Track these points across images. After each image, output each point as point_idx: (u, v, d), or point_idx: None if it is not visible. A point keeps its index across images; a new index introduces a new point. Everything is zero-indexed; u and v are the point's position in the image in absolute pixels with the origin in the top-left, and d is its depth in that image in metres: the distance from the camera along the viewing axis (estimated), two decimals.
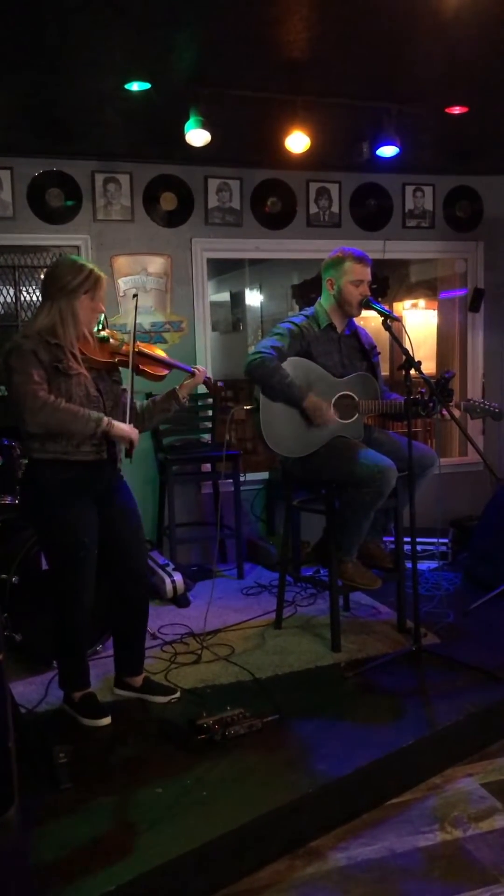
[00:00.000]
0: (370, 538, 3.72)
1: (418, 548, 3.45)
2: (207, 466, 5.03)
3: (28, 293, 4.87)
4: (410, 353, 3.31)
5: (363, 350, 3.77)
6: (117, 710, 3.02)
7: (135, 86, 3.70)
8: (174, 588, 4.32)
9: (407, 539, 3.45)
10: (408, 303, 7.76)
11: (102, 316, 3.00)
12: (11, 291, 4.87)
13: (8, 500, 3.63)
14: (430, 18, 3.13)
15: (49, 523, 2.88)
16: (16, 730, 2.37)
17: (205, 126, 3.90)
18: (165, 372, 3.13)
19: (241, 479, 4.81)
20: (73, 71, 3.56)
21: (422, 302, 7.68)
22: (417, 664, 3.33)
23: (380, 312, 3.45)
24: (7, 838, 2.22)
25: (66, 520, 2.84)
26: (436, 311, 6.74)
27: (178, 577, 4.35)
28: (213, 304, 7.50)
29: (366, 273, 3.57)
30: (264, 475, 5.36)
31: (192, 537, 5.08)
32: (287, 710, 2.97)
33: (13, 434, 3.49)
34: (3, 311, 4.89)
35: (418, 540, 3.41)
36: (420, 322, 7.45)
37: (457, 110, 4.18)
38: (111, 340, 3.01)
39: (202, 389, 4.17)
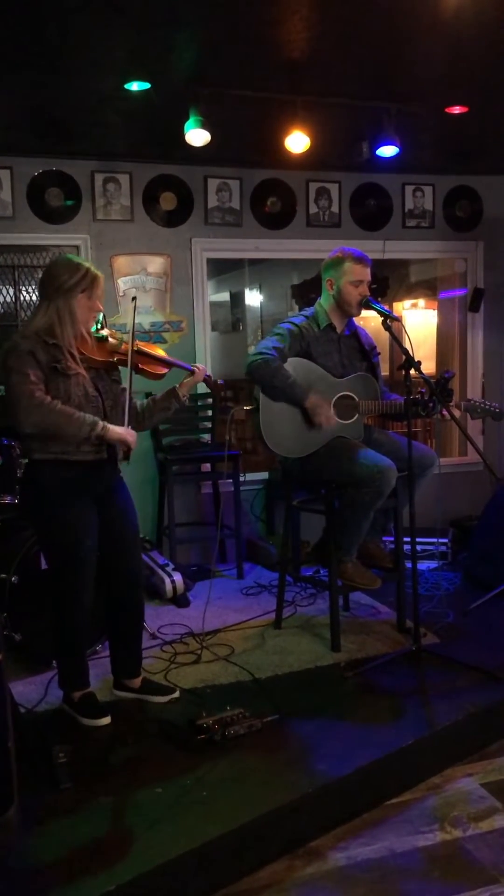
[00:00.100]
0: (370, 538, 3.72)
1: (418, 548, 3.45)
2: (207, 466, 5.03)
3: (28, 293, 4.87)
4: (410, 353, 3.31)
5: (363, 350, 3.77)
6: (117, 710, 3.02)
7: (134, 86, 3.70)
8: (174, 588, 4.32)
9: (407, 539, 3.45)
10: (408, 303, 7.76)
11: (101, 315, 3.00)
12: (11, 291, 4.87)
13: (8, 500, 3.63)
14: (430, 18, 3.13)
15: (49, 523, 2.88)
16: (15, 730, 2.38)
17: (204, 126, 3.90)
18: (165, 370, 3.11)
19: (241, 479, 4.81)
20: (73, 71, 3.56)
21: (421, 302, 7.68)
22: (417, 664, 3.33)
23: (380, 312, 3.45)
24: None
25: (65, 520, 2.84)
26: (435, 311, 6.74)
27: (177, 576, 4.35)
28: (213, 304, 7.50)
29: (365, 273, 3.57)
30: (264, 475, 5.36)
31: (192, 537, 5.08)
32: (287, 710, 2.96)
33: (13, 434, 3.49)
34: (2, 311, 4.89)
35: (418, 540, 3.42)
36: (420, 322, 7.46)
37: (457, 110, 4.19)
38: (110, 339, 3.01)
39: (202, 389, 4.19)
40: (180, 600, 4.32)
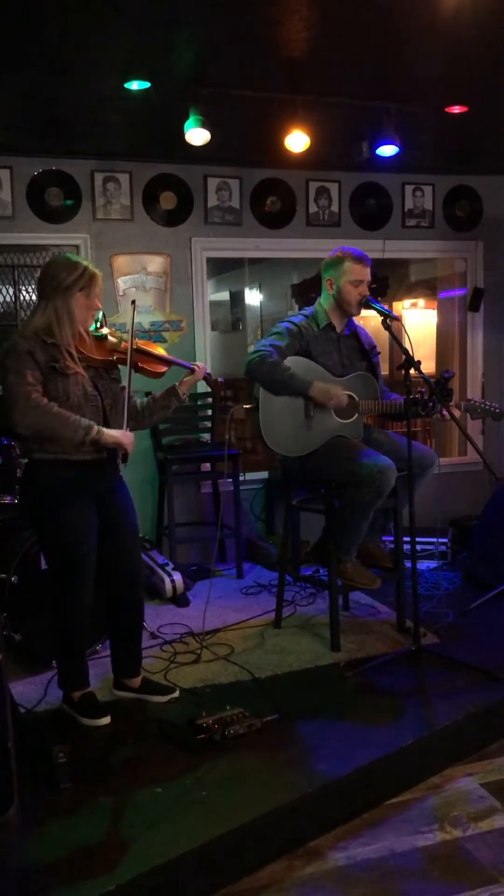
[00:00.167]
0: (370, 538, 3.72)
1: (418, 547, 3.45)
2: (207, 466, 5.03)
3: (27, 292, 4.87)
4: (410, 352, 3.31)
5: (363, 350, 3.77)
6: (117, 710, 3.02)
7: (134, 85, 3.70)
8: (173, 587, 4.32)
9: (406, 539, 3.45)
10: (407, 302, 7.76)
11: (101, 314, 2.99)
12: (11, 290, 4.87)
13: (8, 499, 3.63)
14: (430, 18, 3.13)
15: (49, 523, 2.88)
16: (15, 730, 2.38)
17: (204, 125, 3.90)
18: (164, 369, 3.10)
19: (241, 478, 4.81)
20: (73, 71, 3.56)
21: (421, 301, 7.68)
22: (417, 664, 3.34)
23: (379, 312, 3.45)
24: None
25: (65, 520, 2.84)
26: (435, 311, 6.74)
27: (177, 576, 4.35)
28: (213, 304, 7.50)
29: (365, 273, 3.57)
30: (264, 475, 5.36)
31: (192, 537, 5.08)
32: (287, 710, 2.97)
33: (13, 434, 3.48)
34: (2, 311, 4.89)
35: (418, 540, 3.42)
36: (420, 322, 7.45)
37: (456, 110, 4.18)
38: (109, 338, 3.00)
39: (202, 388, 4.19)
40: (180, 600, 4.32)
